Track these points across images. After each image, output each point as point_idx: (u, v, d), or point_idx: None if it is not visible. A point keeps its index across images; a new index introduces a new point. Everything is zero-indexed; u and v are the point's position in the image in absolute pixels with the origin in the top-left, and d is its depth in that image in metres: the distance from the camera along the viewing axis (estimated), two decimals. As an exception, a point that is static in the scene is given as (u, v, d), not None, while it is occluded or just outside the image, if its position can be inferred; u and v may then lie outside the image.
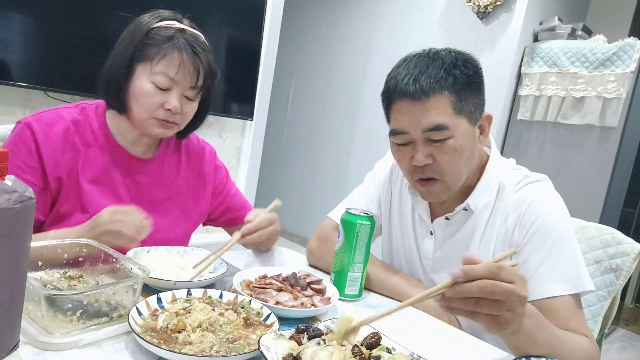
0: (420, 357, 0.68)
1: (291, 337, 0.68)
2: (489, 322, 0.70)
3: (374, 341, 0.70)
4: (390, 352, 0.69)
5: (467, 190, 1.03)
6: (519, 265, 0.90)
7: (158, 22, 1.01)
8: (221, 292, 0.83)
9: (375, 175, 1.24)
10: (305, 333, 0.69)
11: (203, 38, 1.05)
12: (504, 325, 0.70)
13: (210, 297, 0.82)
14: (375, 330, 0.73)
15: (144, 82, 0.99)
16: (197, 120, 1.13)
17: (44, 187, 1.00)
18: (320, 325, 0.72)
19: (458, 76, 0.91)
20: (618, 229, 1.21)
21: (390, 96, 0.95)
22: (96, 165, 1.05)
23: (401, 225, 1.15)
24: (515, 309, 0.69)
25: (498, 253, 0.96)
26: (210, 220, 1.30)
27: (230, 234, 1.28)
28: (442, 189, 0.97)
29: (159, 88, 0.99)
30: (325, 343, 0.67)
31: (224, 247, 1.01)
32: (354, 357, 0.65)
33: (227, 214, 1.28)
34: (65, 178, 1.01)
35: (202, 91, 1.06)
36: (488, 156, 1.05)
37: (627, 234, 1.20)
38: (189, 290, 0.82)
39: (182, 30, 1.01)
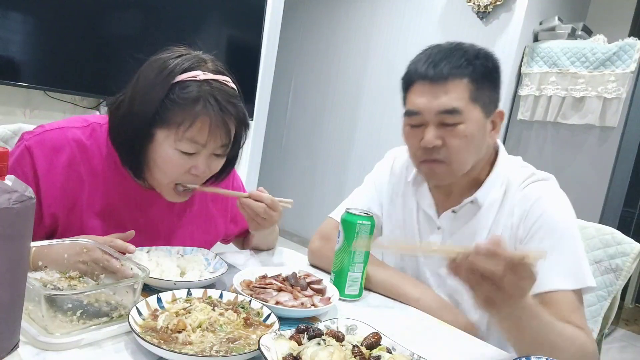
0: (420, 357, 0.68)
1: (291, 337, 0.68)
2: (482, 301, 0.73)
3: (374, 341, 0.70)
4: (391, 352, 0.69)
5: (475, 183, 1.04)
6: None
7: (180, 73, 0.88)
8: (221, 292, 0.83)
9: (375, 176, 1.24)
10: (306, 333, 0.69)
11: (231, 84, 0.94)
12: (495, 309, 0.74)
13: (210, 297, 0.81)
14: (375, 330, 0.73)
15: (168, 150, 0.89)
16: (225, 171, 1.04)
17: (37, 219, 0.89)
18: (320, 325, 0.72)
19: (478, 66, 0.95)
20: (618, 229, 1.21)
21: (410, 78, 0.99)
22: (102, 198, 0.97)
23: (404, 224, 1.15)
24: (514, 300, 0.72)
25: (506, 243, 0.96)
26: (226, 240, 1.25)
27: (240, 245, 1.27)
28: (445, 171, 0.98)
29: (185, 154, 0.89)
30: (325, 343, 0.66)
31: (227, 192, 1.04)
32: (354, 357, 0.65)
33: (244, 233, 1.23)
34: (64, 214, 0.94)
35: (234, 144, 0.97)
36: (497, 152, 1.07)
37: (627, 234, 1.20)
38: (189, 290, 0.81)
39: (208, 83, 0.89)
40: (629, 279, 1.21)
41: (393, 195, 1.18)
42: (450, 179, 1.01)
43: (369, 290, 1.07)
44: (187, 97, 0.87)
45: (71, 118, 1.00)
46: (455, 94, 0.93)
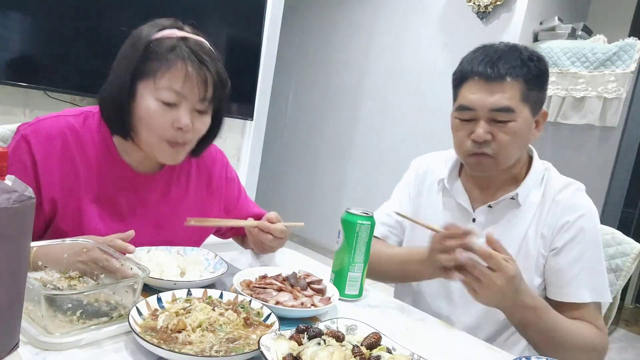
0: (420, 357, 0.69)
1: (291, 337, 0.68)
2: (468, 289, 0.89)
3: (374, 341, 0.70)
4: (391, 352, 0.69)
5: (512, 181, 1.10)
6: (558, 267, 1.03)
7: (157, 32, 0.93)
8: (221, 292, 0.83)
9: (402, 184, 1.30)
10: (306, 333, 0.69)
11: (208, 45, 0.97)
12: (480, 299, 0.88)
13: (210, 297, 0.81)
14: (375, 330, 0.73)
15: (149, 101, 0.91)
16: (210, 135, 1.04)
17: (37, 205, 0.87)
18: (321, 325, 0.72)
19: (532, 68, 1.00)
20: (618, 229, 1.21)
21: (465, 75, 1.04)
22: (98, 184, 0.98)
23: (430, 219, 1.17)
24: (493, 293, 0.86)
25: (538, 247, 1.06)
26: (220, 234, 1.25)
27: (240, 243, 1.28)
28: (491, 164, 1.03)
29: (166, 105, 0.91)
30: (325, 343, 0.66)
31: (235, 222, 1.08)
32: (354, 357, 0.65)
33: (242, 232, 1.21)
34: (62, 199, 0.95)
35: (214, 102, 0.97)
36: (531, 154, 1.13)
37: (627, 234, 1.20)
38: (189, 290, 0.81)
39: (184, 39, 0.93)
40: (629, 279, 1.21)
41: (416, 195, 1.23)
42: (494, 172, 1.06)
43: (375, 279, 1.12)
44: (163, 48, 0.91)
45: (65, 109, 1.02)
46: (508, 94, 0.99)
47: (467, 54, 1.06)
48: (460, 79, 1.05)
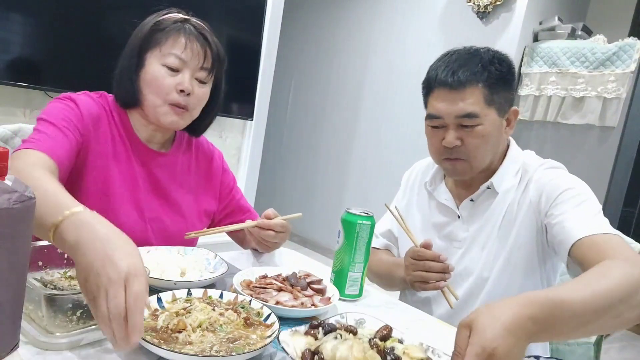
0: (429, 346, 0.71)
1: (306, 333, 0.71)
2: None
3: (386, 333, 0.73)
4: (402, 343, 0.72)
5: (491, 172, 1.12)
6: (555, 224, 0.97)
7: (164, 14, 1.05)
8: (221, 292, 0.82)
9: (401, 186, 1.35)
10: (321, 328, 0.72)
11: (209, 29, 1.08)
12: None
13: (210, 297, 0.81)
14: (386, 323, 0.76)
15: (155, 67, 1.01)
16: (210, 112, 1.13)
17: (75, 147, 0.96)
18: (331, 320, 0.74)
19: (493, 72, 1.03)
20: (618, 229, 1.20)
21: (431, 85, 1.07)
22: (121, 154, 1.06)
23: (422, 221, 1.23)
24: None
25: (523, 229, 1.06)
26: (214, 224, 1.27)
27: (240, 243, 1.29)
28: (466, 167, 1.07)
29: (170, 69, 1.01)
30: (342, 337, 0.68)
31: (237, 225, 1.12)
32: (372, 349, 0.67)
33: (230, 217, 1.27)
34: (92, 157, 1.01)
35: (213, 77, 1.07)
36: (509, 144, 1.16)
37: (627, 234, 1.20)
38: (189, 290, 0.81)
39: (187, 19, 1.05)
40: (629, 279, 1.20)
41: (407, 204, 1.28)
42: (470, 174, 1.10)
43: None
44: (168, 23, 1.03)
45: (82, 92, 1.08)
46: (472, 99, 1.02)
47: (433, 63, 1.10)
48: (427, 88, 1.09)
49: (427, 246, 1.03)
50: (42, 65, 2.10)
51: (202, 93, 1.06)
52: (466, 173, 1.09)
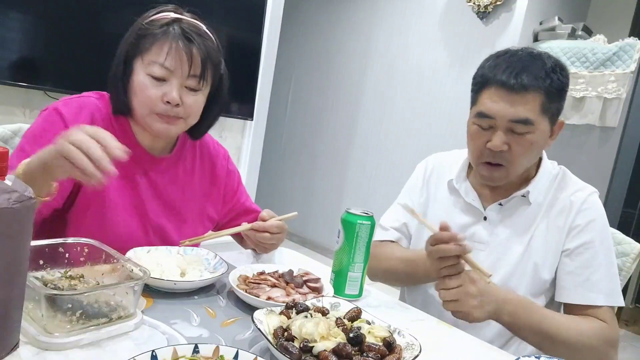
0: (396, 328, 0.74)
1: (281, 313, 0.75)
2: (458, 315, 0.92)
3: (354, 315, 0.77)
4: (370, 324, 0.74)
5: (524, 180, 1.10)
6: (569, 269, 1.04)
7: (154, 14, 0.99)
8: (237, 351, 0.63)
9: (408, 188, 1.29)
10: (294, 308, 0.76)
11: (204, 28, 1.00)
12: (471, 311, 0.91)
13: (222, 356, 0.63)
14: (356, 306, 0.80)
15: (141, 76, 0.96)
16: (210, 116, 1.08)
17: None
18: (307, 302, 0.78)
19: (555, 80, 0.99)
20: (618, 229, 1.21)
21: (487, 82, 1.01)
22: (119, 162, 1.02)
23: (444, 218, 1.18)
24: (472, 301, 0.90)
25: (549, 245, 1.06)
26: (218, 227, 1.26)
27: (240, 243, 1.29)
28: (504, 175, 1.04)
29: (155, 79, 0.95)
30: (312, 316, 0.72)
31: (231, 230, 1.08)
32: (338, 327, 0.70)
33: (235, 220, 1.23)
34: None
35: (208, 82, 1.01)
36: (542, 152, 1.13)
37: (627, 234, 1.20)
38: (195, 346, 0.63)
39: (178, 20, 0.97)
40: (629, 279, 1.21)
41: (425, 199, 1.22)
42: (505, 182, 1.06)
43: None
44: (155, 26, 0.96)
45: (84, 92, 1.06)
46: (530, 105, 0.98)
47: (489, 59, 1.05)
48: (481, 84, 1.03)
49: (445, 229, 0.94)
50: (41, 65, 2.10)
51: (194, 102, 0.99)
52: (501, 181, 1.05)
